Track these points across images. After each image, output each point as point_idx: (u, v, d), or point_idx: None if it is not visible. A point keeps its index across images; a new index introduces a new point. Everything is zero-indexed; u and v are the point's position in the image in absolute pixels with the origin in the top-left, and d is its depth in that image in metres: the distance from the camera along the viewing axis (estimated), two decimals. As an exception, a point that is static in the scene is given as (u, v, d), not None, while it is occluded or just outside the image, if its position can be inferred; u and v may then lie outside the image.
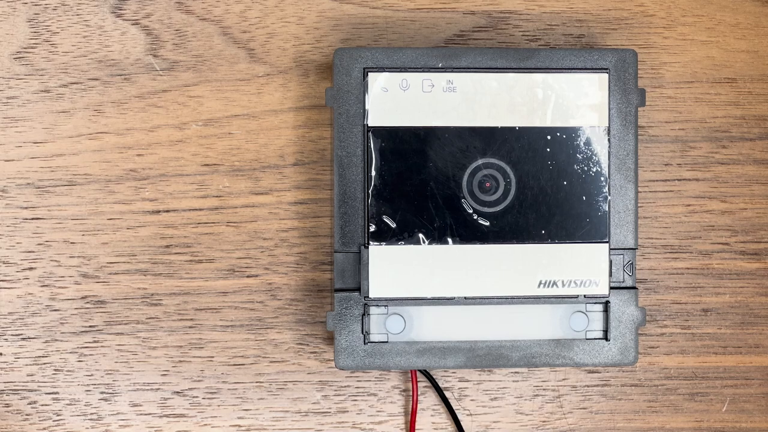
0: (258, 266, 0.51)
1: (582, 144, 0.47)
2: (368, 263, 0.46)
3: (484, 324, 0.46)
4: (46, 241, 0.50)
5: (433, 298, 0.46)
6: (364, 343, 0.46)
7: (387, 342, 0.46)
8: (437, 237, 0.46)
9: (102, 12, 0.51)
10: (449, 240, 0.46)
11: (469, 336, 0.46)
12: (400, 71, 0.47)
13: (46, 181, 0.50)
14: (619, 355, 0.47)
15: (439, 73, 0.47)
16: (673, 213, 0.52)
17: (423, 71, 0.47)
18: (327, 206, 0.51)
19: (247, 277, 0.51)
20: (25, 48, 0.50)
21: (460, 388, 0.51)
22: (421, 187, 0.46)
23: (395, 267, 0.46)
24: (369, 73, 0.46)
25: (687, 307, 0.52)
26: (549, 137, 0.47)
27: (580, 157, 0.47)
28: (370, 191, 0.46)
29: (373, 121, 0.46)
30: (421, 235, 0.46)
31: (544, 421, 0.51)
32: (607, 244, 0.47)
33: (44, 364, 0.50)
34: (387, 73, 0.46)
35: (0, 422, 0.50)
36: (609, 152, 0.47)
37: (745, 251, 0.52)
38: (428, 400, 0.51)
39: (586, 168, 0.47)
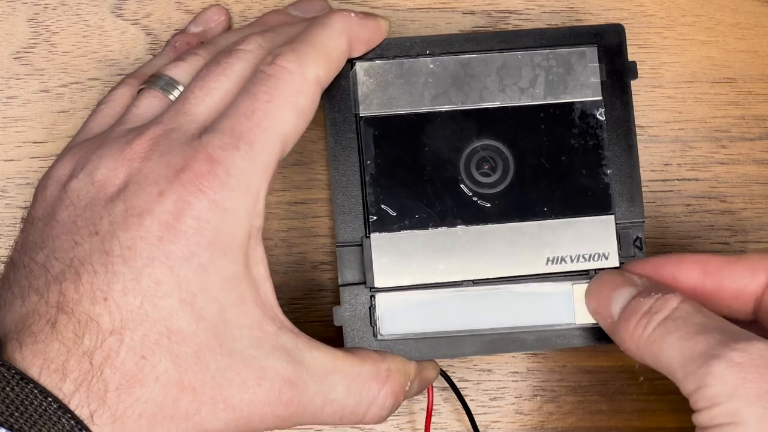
0: (258, 266, 0.51)
1: (577, 118, 0.47)
2: (371, 253, 0.46)
3: (497, 310, 0.46)
4: (46, 241, 0.50)
5: (440, 283, 0.46)
6: (374, 336, 0.46)
7: (397, 333, 0.46)
8: (439, 222, 0.46)
9: (102, 12, 0.51)
10: (451, 224, 0.46)
11: (481, 323, 0.46)
12: (388, 59, 0.46)
13: (46, 180, 0.50)
14: None
15: (427, 58, 0.47)
16: (673, 213, 0.52)
17: (411, 57, 0.47)
18: (326, 206, 0.51)
19: (247, 276, 0.51)
20: (25, 48, 0.51)
21: (459, 388, 0.51)
22: (419, 174, 0.46)
23: (399, 255, 0.46)
24: (356, 63, 0.46)
25: (687, 307, 0.52)
26: (542, 114, 0.47)
27: (576, 132, 0.47)
28: (367, 181, 0.46)
29: (364, 110, 0.46)
30: (422, 221, 0.46)
31: (543, 421, 0.51)
32: (612, 216, 0.47)
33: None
34: (374, 61, 0.46)
35: None
36: (605, 124, 0.47)
37: (745, 251, 0.52)
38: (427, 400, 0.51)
39: (583, 142, 0.47)
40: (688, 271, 0.44)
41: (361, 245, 0.46)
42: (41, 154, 0.50)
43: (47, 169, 0.44)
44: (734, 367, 0.38)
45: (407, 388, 0.45)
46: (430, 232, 0.46)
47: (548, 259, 0.46)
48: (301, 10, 0.48)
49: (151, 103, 0.44)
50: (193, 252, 0.39)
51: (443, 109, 0.47)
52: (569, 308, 0.46)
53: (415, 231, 0.46)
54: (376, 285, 0.46)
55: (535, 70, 0.47)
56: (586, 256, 0.46)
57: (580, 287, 0.46)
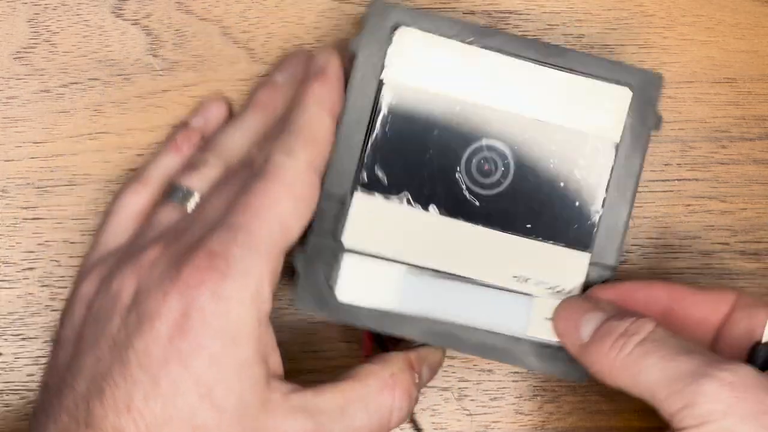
0: (258, 266, 0.50)
1: (588, 151, 0.47)
2: (350, 208, 0.46)
3: (450, 299, 0.46)
4: (46, 241, 0.50)
5: (405, 263, 0.46)
6: (327, 290, 0.45)
7: (350, 302, 0.45)
8: (424, 203, 0.46)
9: (102, 12, 0.51)
10: (435, 209, 0.46)
11: (432, 310, 0.46)
12: (430, 32, 0.46)
13: (46, 181, 0.50)
14: (571, 369, 0.46)
15: (467, 45, 0.46)
16: (673, 213, 0.52)
17: (450, 39, 0.46)
18: (327, 206, 0.51)
19: (247, 277, 0.51)
20: (25, 48, 0.51)
21: (460, 388, 0.51)
22: (421, 152, 0.46)
23: (376, 221, 0.46)
24: (398, 28, 0.46)
25: (687, 307, 0.52)
26: (557, 136, 0.47)
27: (582, 163, 0.47)
28: (371, 141, 0.46)
29: (389, 74, 0.46)
30: (408, 197, 0.46)
31: (543, 421, 0.51)
32: (589, 254, 0.47)
33: (44, 364, 0.50)
34: (416, 32, 0.46)
35: (0, 422, 0.50)
36: (612, 167, 0.47)
37: (745, 251, 0.52)
38: (427, 400, 0.51)
39: (586, 175, 0.47)
40: (658, 297, 0.45)
41: (344, 203, 0.46)
42: (41, 154, 0.50)
43: (72, 287, 0.46)
44: (726, 386, 0.38)
45: (417, 381, 0.45)
46: (413, 210, 0.46)
47: (515, 276, 0.46)
48: (286, 73, 0.49)
49: (169, 215, 0.46)
50: (203, 345, 0.40)
51: (465, 99, 0.46)
52: (522, 315, 0.46)
53: (400, 205, 0.46)
54: (344, 242, 0.45)
55: (567, 92, 0.46)
56: (552, 286, 0.46)
57: (540, 300, 0.46)
